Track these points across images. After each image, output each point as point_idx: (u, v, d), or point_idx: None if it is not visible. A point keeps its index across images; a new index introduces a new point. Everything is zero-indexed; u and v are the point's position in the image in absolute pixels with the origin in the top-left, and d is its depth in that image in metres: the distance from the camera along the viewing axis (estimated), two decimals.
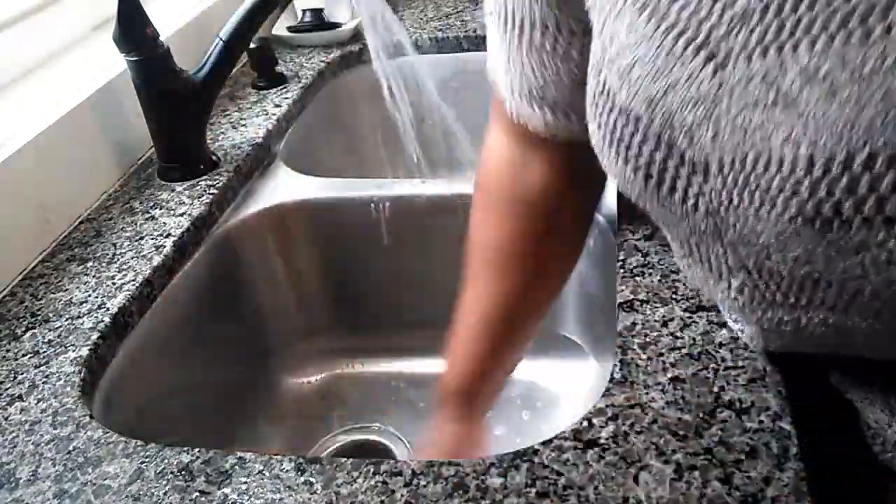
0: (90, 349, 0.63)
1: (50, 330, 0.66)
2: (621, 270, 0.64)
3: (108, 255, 0.75)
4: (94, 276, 0.72)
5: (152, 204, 0.82)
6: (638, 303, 0.61)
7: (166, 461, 0.53)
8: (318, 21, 1.17)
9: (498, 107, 0.53)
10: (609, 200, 0.75)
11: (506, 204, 0.59)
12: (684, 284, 0.62)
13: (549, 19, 0.44)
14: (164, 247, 0.75)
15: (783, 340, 0.42)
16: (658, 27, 0.33)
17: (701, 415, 0.51)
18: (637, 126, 0.36)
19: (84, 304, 0.68)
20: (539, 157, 0.55)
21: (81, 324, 0.66)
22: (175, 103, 0.83)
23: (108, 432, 0.56)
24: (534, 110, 0.49)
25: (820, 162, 0.30)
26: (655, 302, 0.60)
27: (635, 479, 0.47)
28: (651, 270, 0.64)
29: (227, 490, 0.50)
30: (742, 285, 0.39)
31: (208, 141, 0.89)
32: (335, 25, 1.17)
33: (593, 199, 0.62)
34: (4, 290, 0.71)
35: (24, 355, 0.64)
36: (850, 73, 0.28)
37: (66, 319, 0.67)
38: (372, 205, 0.86)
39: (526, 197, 0.57)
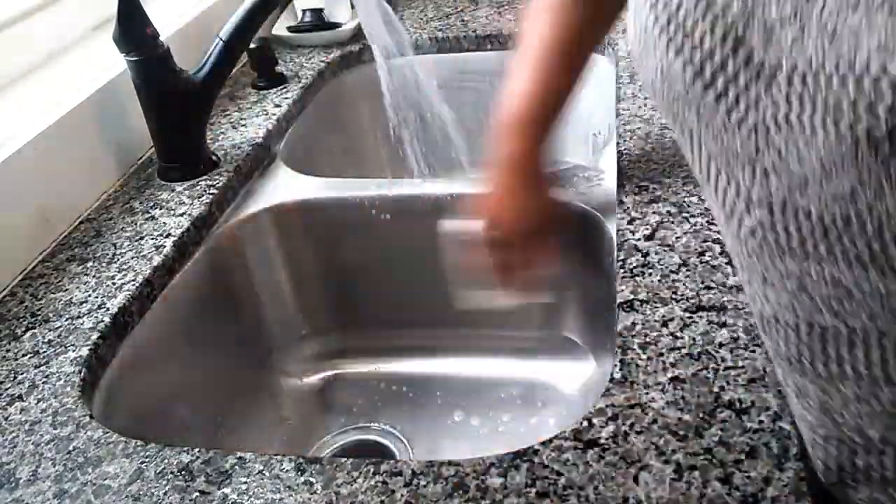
0: (90, 349, 0.63)
1: (50, 330, 0.66)
2: (621, 270, 0.64)
3: (108, 255, 0.75)
4: (94, 276, 0.72)
5: (152, 204, 0.82)
6: (638, 303, 0.61)
7: (166, 461, 0.53)
8: (318, 21, 1.17)
9: None
10: (609, 198, 0.75)
11: None
12: (684, 284, 0.62)
13: None
14: (164, 247, 0.75)
15: (780, 299, 0.38)
16: None
17: (701, 415, 0.51)
18: (706, 13, 0.32)
19: (84, 304, 0.68)
20: None
21: (81, 324, 0.66)
22: (175, 103, 0.83)
23: (108, 432, 0.56)
24: None
25: None
26: (655, 302, 0.60)
27: (635, 479, 0.47)
28: (651, 270, 0.64)
29: (227, 490, 0.50)
30: (756, 226, 0.35)
31: (208, 141, 0.89)
32: (335, 25, 1.17)
33: None
34: (4, 290, 0.71)
35: (24, 355, 0.64)
36: None
37: (66, 319, 0.67)
38: (372, 205, 0.86)
39: None
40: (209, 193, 0.82)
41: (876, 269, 0.32)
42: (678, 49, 0.34)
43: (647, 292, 0.61)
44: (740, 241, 0.37)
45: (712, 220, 0.67)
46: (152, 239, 0.76)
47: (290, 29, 1.17)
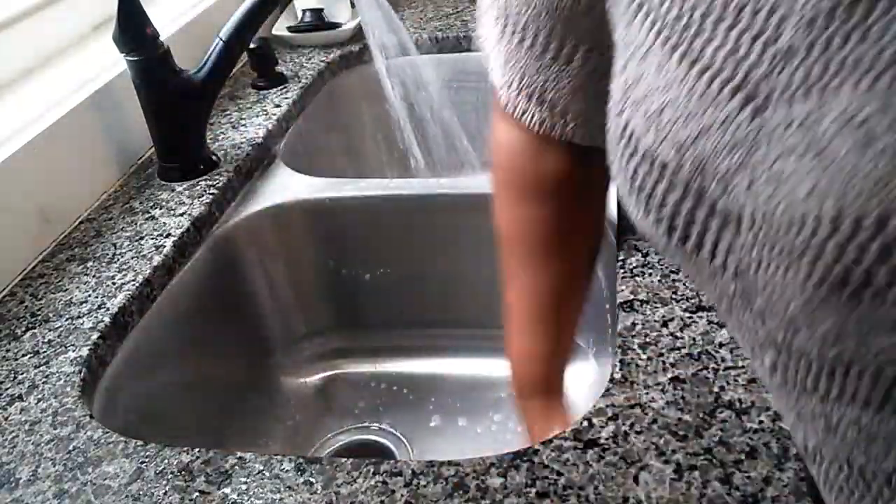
0: (90, 349, 0.63)
1: (50, 330, 0.66)
2: (621, 270, 0.64)
3: (108, 255, 0.75)
4: (94, 276, 0.72)
5: (152, 204, 0.82)
6: (638, 303, 0.61)
7: (166, 461, 0.53)
8: (318, 21, 1.17)
9: (497, 101, 0.52)
10: (609, 205, 0.75)
11: (525, 195, 0.58)
12: (684, 284, 0.62)
13: (555, 33, 0.43)
14: (164, 247, 0.75)
15: (817, 440, 0.38)
16: (691, 68, 0.31)
17: (701, 415, 0.51)
18: (663, 173, 0.34)
19: (84, 304, 0.68)
20: (550, 146, 0.54)
21: (81, 324, 0.66)
22: (175, 103, 0.83)
23: (108, 432, 0.56)
24: (530, 108, 0.49)
25: (848, 220, 0.27)
26: (655, 302, 0.60)
27: (635, 479, 0.47)
28: (651, 270, 0.64)
29: (227, 490, 0.50)
30: (774, 364, 0.35)
31: (208, 141, 0.89)
32: (335, 25, 1.17)
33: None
34: (4, 290, 0.71)
35: (24, 355, 0.64)
36: (890, 121, 0.26)
37: (66, 319, 0.67)
38: (372, 205, 0.86)
39: (545, 185, 0.57)
40: (209, 193, 0.82)
41: (890, 410, 0.31)
42: (647, 209, 0.35)
43: (647, 292, 0.61)
44: (766, 376, 0.37)
45: None
46: (152, 239, 0.76)
47: (290, 29, 1.17)
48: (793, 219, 0.29)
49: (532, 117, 0.50)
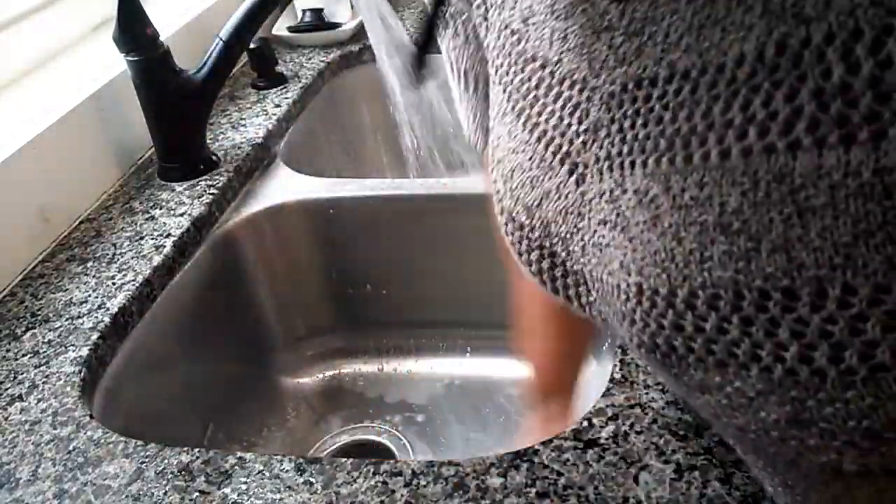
0: (90, 349, 0.63)
1: (50, 330, 0.66)
2: None
3: (108, 255, 0.74)
4: (94, 276, 0.72)
5: (152, 204, 0.82)
6: None
7: (166, 461, 0.53)
8: (318, 21, 1.17)
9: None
10: None
11: None
12: None
13: (480, 74, 0.44)
14: (164, 247, 0.75)
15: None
16: (532, 134, 0.32)
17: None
18: (522, 234, 0.35)
19: (84, 304, 0.68)
20: None
21: (81, 324, 0.66)
22: (175, 103, 0.83)
23: (108, 432, 0.56)
24: (480, 139, 0.51)
25: (647, 294, 0.28)
26: None
27: (635, 479, 0.47)
28: None
29: (227, 490, 0.50)
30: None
31: (208, 141, 0.89)
32: (335, 25, 1.17)
33: None
34: (4, 290, 0.71)
35: (24, 355, 0.64)
36: (671, 200, 0.26)
37: (66, 319, 0.67)
38: (372, 205, 0.86)
39: None
40: (209, 193, 0.82)
41: (748, 452, 0.33)
42: (522, 262, 0.37)
43: None
44: None
45: None
46: (152, 239, 0.76)
47: (290, 29, 1.17)
48: (612, 287, 0.30)
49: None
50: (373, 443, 0.86)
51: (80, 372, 0.61)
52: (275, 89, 1.05)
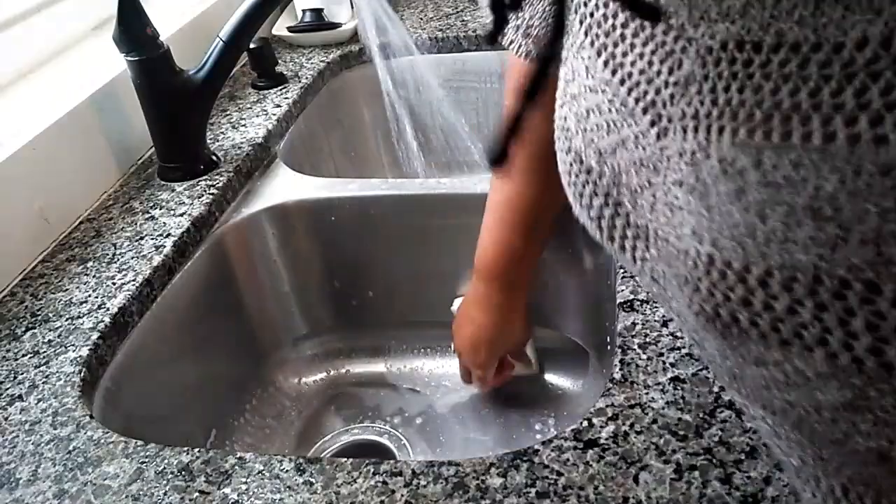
0: (90, 349, 0.63)
1: (50, 330, 0.66)
2: (621, 270, 0.64)
3: (108, 255, 0.75)
4: (94, 276, 0.72)
5: (152, 204, 0.82)
6: (638, 303, 0.61)
7: (166, 461, 0.53)
8: (318, 21, 1.17)
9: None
10: None
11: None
12: None
13: None
14: (164, 247, 0.75)
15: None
16: (614, 76, 0.31)
17: (701, 415, 0.51)
18: (589, 177, 0.34)
19: (84, 304, 0.68)
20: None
21: (81, 324, 0.66)
22: (175, 103, 0.83)
23: (108, 432, 0.56)
24: (517, 39, 0.55)
25: (718, 265, 0.27)
26: (655, 302, 0.60)
27: (635, 479, 0.47)
28: None
29: (227, 490, 0.50)
30: (699, 353, 0.37)
31: (208, 141, 0.89)
32: (335, 25, 1.17)
33: None
34: (4, 290, 0.71)
35: (24, 355, 0.64)
36: (761, 176, 0.25)
37: (66, 319, 0.67)
38: (372, 205, 0.86)
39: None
40: (209, 193, 0.82)
41: (782, 423, 0.32)
42: (580, 205, 0.36)
43: (648, 292, 0.61)
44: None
45: None
46: (152, 239, 0.76)
47: (290, 29, 1.17)
48: (679, 250, 0.29)
49: (519, 48, 0.56)
50: (373, 443, 0.86)
51: (80, 372, 0.61)
52: (275, 89, 1.05)
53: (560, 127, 0.36)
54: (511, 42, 0.56)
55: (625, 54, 0.30)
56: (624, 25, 0.30)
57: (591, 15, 0.32)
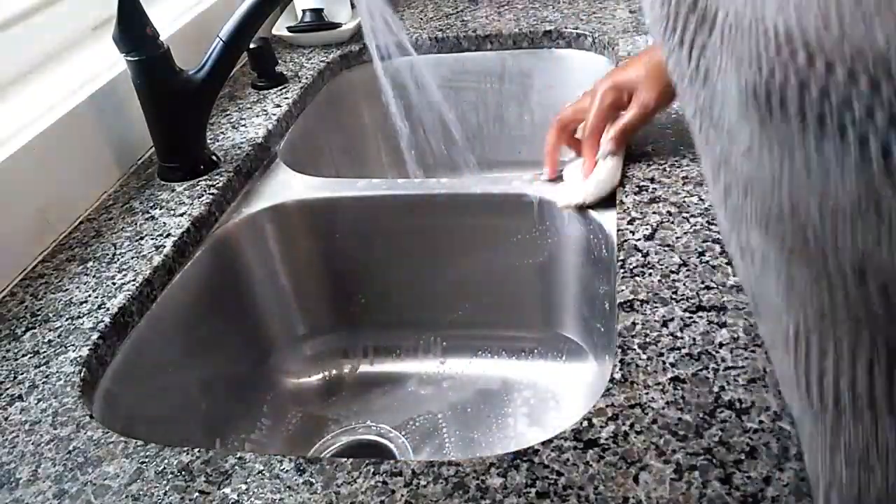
0: (90, 349, 0.63)
1: (50, 330, 0.66)
2: (621, 270, 0.64)
3: (108, 255, 0.75)
4: (94, 276, 0.72)
5: (152, 204, 0.82)
6: (638, 303, 0.61)
7: (166, 461, 0.53)
8: (318, 21, 1.17)
9: None
10: (609, 219, 0.75)
11: None
12: (684, 284, 0.62)
13: None
14: (164, 247, 0.75)
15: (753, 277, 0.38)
16: None
17: (701, 415, 0.51)
18: None
19: (84, 304, 0.68)
20: None
21: (81, 324, 0.66)
22: (175, 103, 0.83)
23: (108, 432, 0.56)
24: None
25: (791, 46, 0.27)
26: (655, 302, 0.60)
27: (635, 479, 0.47)
28: (651, 270, 0.64)
29: (227, 490, 0.50)
30: (728, 187, 0.36)
31: (208, 141, 0.89)
32: (335, 25, 1.17)
33: None
34: (4, 290, 0.71)
35: (24, 355, 0.64)
36: None
37: (66, 319, 0.67)
38: (372, 205, 0.86)
39: None
40: (209, 193, 0.82)
41: (774, 238, 0.32)
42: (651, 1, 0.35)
43: (647, 292, 0.61)
44: (720, 202, 0.38)
45: (712, 220, 0.68)
46: (152, 239, 0.76)
47: (290, 29, 1.17)
48: (753, 28, 0.29)
49: None
50: (373, 443, 0.86)
51: (80, 372, 0.61)
52: (275, 89, 1.05)
53: None
54: None
55: None
56: None
57: None
